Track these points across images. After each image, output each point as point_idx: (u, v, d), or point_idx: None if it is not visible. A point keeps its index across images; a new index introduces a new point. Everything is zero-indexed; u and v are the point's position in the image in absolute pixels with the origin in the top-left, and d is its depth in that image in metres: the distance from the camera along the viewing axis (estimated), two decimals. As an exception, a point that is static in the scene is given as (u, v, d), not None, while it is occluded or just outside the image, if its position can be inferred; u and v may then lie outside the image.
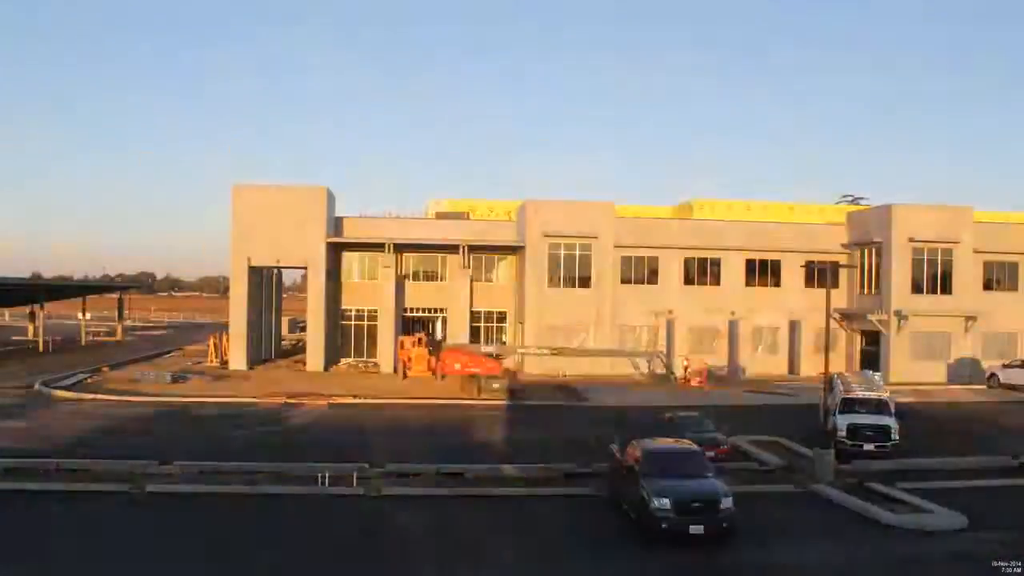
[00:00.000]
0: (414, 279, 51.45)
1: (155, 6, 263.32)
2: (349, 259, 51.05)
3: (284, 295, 65.36)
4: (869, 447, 24.91)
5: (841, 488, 21.59)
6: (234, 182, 46.59)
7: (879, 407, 26.19)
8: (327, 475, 21.22)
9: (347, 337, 50.80)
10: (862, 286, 48.96)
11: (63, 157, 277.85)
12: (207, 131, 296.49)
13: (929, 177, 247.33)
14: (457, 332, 47.42)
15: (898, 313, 45.88)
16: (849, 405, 26.40)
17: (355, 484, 21.00)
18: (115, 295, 78.49)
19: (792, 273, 49.01)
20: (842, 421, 25.69)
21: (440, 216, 56.70)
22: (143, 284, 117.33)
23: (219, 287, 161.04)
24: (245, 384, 39.94)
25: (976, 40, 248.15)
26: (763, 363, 48.74)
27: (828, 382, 29.32)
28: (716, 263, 49.54)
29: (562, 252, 47.41)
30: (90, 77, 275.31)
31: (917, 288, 46.57)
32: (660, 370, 45.67)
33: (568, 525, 18.57)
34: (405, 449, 25.61)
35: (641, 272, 48.94)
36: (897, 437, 25.13)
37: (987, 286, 48.60)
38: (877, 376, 30.82)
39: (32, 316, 67.30)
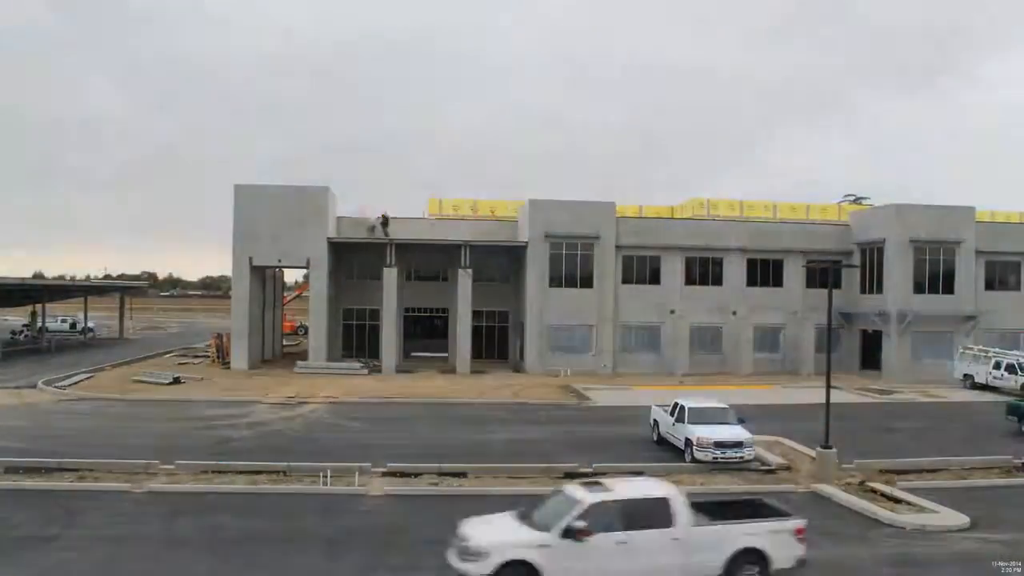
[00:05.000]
0: (415, 279, 51.43)
1: (159, 5, 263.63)
2: (350, 259, 51.02)
3: (285, 295, 65.33)
4: None
5: (843, 487, 21.56)
6: (236, 181, 46.52)
7: None
8: (328, 474, 21.21)
9: (348, 337, 50.79)
10: (864, 286, 48.90)
11: (64, 156, 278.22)
12: (208, 130, 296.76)
13: (930, 177, 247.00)
14: (459, 332, 47.36)
15: (899, 313, 45.82)
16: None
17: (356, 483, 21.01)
18: (116, 295, 78.50)
19: (794, 273, 48.99)
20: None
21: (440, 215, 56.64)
22: (144, 284, 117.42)
23: (221, 287, 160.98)
24: (247, 383, 39.93)
25: (978, 39, 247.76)
26: (764, 363, 48.64)
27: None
28: (718, 263, 49.50)
29: (564, 252, 47.39)
30: (89, 75, 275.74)
31: (919, 288, 46.54)
32: None
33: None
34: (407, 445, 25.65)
35: (643, 272, 48.91)
36: None
37: (989, 286, 48.56)
38: None
39: (33, 316, 67.27)
